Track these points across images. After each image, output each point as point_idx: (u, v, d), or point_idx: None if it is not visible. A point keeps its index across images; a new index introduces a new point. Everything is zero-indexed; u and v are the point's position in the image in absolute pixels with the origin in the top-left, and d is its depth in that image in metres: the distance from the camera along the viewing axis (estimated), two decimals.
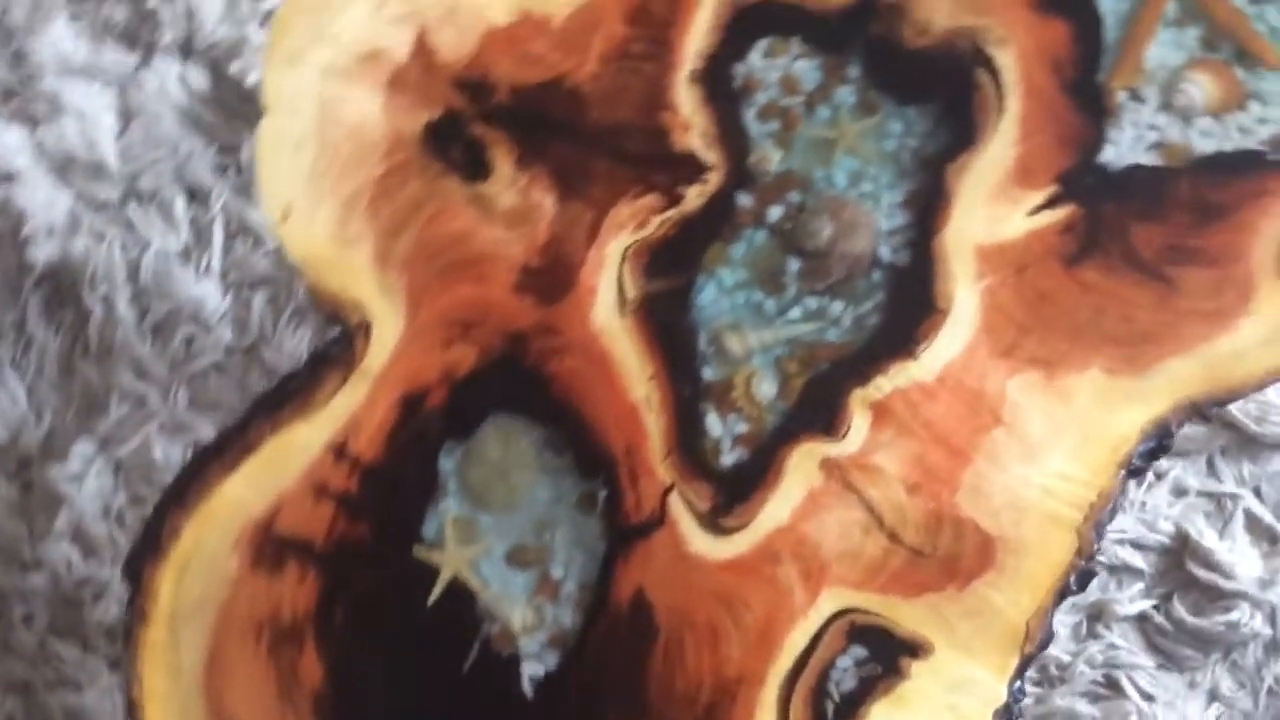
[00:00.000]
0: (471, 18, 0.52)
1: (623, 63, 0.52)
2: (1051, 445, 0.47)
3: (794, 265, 0.51)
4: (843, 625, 0.47)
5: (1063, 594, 0.47)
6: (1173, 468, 0.77)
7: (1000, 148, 0.49)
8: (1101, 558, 0.76)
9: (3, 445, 0.80)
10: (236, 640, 0.48)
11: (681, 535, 0.48)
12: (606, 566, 0.49)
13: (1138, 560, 0.76)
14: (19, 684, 0.77)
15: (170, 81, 0.85)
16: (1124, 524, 0.77)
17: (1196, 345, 0.47)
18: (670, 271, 0.51)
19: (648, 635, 0.48)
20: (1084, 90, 0.50)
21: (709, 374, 0.51)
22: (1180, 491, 0.77)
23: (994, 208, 0.49)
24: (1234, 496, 0.76)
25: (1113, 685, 0.73)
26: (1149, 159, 0.50)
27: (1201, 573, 0.74)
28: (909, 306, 0.49)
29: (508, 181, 0.51)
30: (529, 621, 0.49)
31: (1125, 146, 0.50)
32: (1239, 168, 0.49)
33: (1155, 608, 0.74)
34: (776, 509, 0.48)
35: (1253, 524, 0.76)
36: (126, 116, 0.85)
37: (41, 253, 0.81)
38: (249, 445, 0.49)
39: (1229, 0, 0.51)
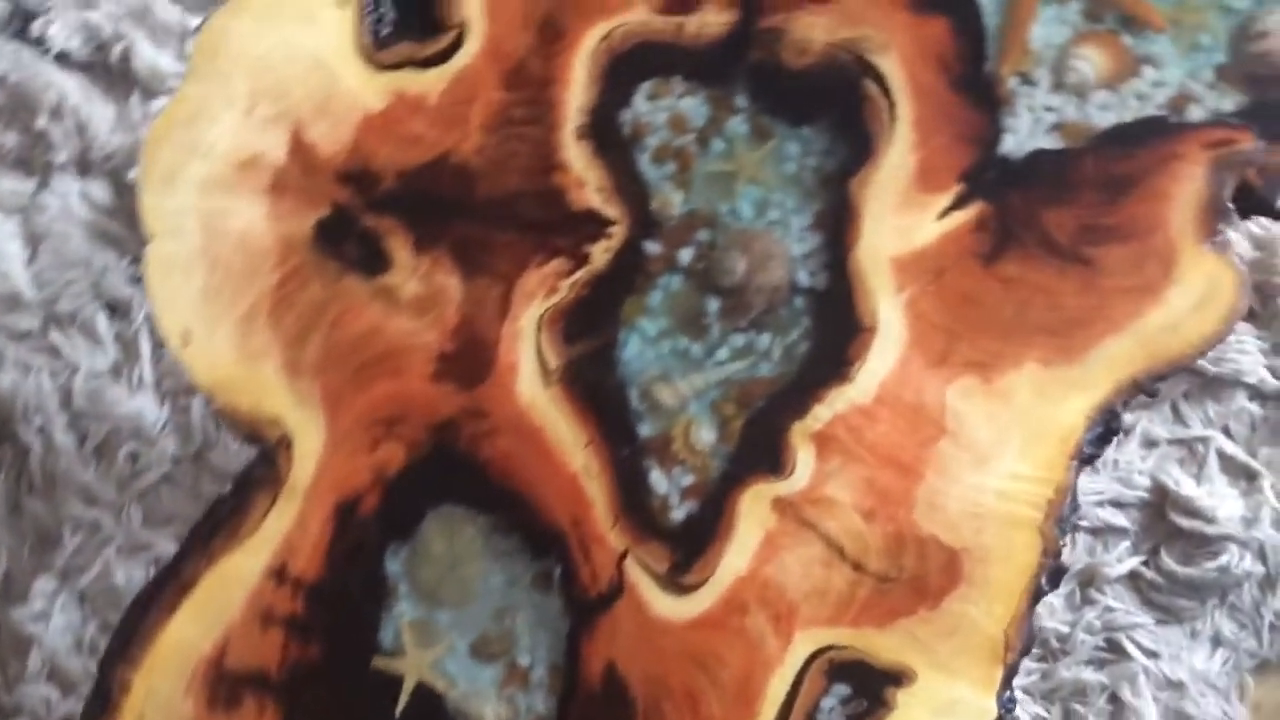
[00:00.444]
0: (345, 108, 0.51)
1: (506, 129, 0.51)
2: (1000, 447, 0.46)
3: (713, 305, 0.50)
4: (821, 665, 0.46)
5: (1036, 596, 0.46)
6: (1139, 420, 0.77)
7: (899, 155, 0.48)
8: (1084, 521, 0.76)
9: None
10: None
11: (643, 601, 0.47)
12: (573, 644, 0.47)
13: (1120, 519, 0.75)
14: None
15: (72, 199, 0.83)
16: (1100, 485, 0.76)
17: (1128, 323, 0.46)
18: (589, 333, 0.50)
19: (625, 709, 0.47)
20: (974, 83, 0.49)
21: (646, 430, 0.49)
22: (1150, 443, 0.76)
23: (903, 217, 0.48)
24: (1204, 439, 0.76)
25: (1115, 648, 0.72)
26: (1050, 142, 0.49)
27: (1185, 521, 0.73)
28: (835, 329, 0.48)
29: (408, 270, 0.50)
30: (503, 715, 0.48)
31: (1024, 133, 0.49)
32: (1142, 137, 0.48)
33: (1145, 564, 0.74)
34: (735, 558, 0.47)
35: (1227, 464, 0.75)
36: (33, 242, 0.83)
37: None
38: (186, 583, 0.48)
39: None
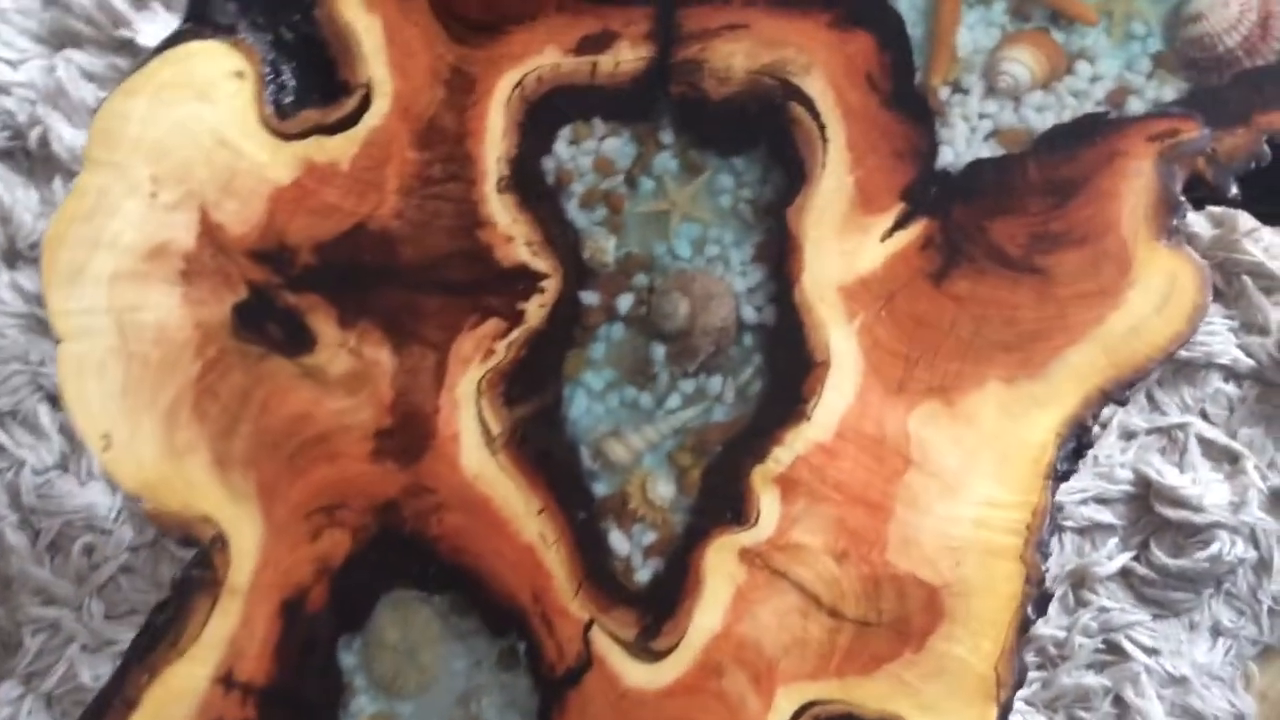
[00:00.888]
0: (252, 183, 0.48)
1: (425, 190, 0.48)
2: (970, 473, 0.44)
3: (659, 351, 0.48)
4: None
5: (1024, 626, 0.44)
6: (1115, 412, 0.75)
7: (835, 179, 0.46)
8: (1069, 521, 0.74)
9: None
10: None
11: (614, 672, 0.45)
12: None
13: (1106, 515, 0.73)
14: None
15: (2, 292, 0.80)
16: (1082, 482, 0.74)
17: (1089, 330, 0.44)
18: (532, 394, 0.47)
19: None
20: (905, 97, 0.47)
21: (601, 489, 0.47)
22: (1129, 434, 0.75)
23: (846, 242, 0.46)
24: (1183, 426, 0.74)
25: (1114, 649, 0.70)
26: (989, 150, 0.47)
27: (1171, 512, 0.72)
28: (788, 366, 0.46)
29: (335, 346, 0.47)
30: None
31: (961, 144, 0.47)
32: (1083, 136, 0.46)
33: (1136, 559, 0.72)
34: (707, 616, 0.45)
35: (1208, 448, 0.74)
36: None
37: None
38: (131, 701, 0.45)
39: None
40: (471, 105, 0.49)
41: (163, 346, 0.47)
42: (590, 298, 0.48)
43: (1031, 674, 0.70)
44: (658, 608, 0.45)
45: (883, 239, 0.46)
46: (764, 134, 0.48)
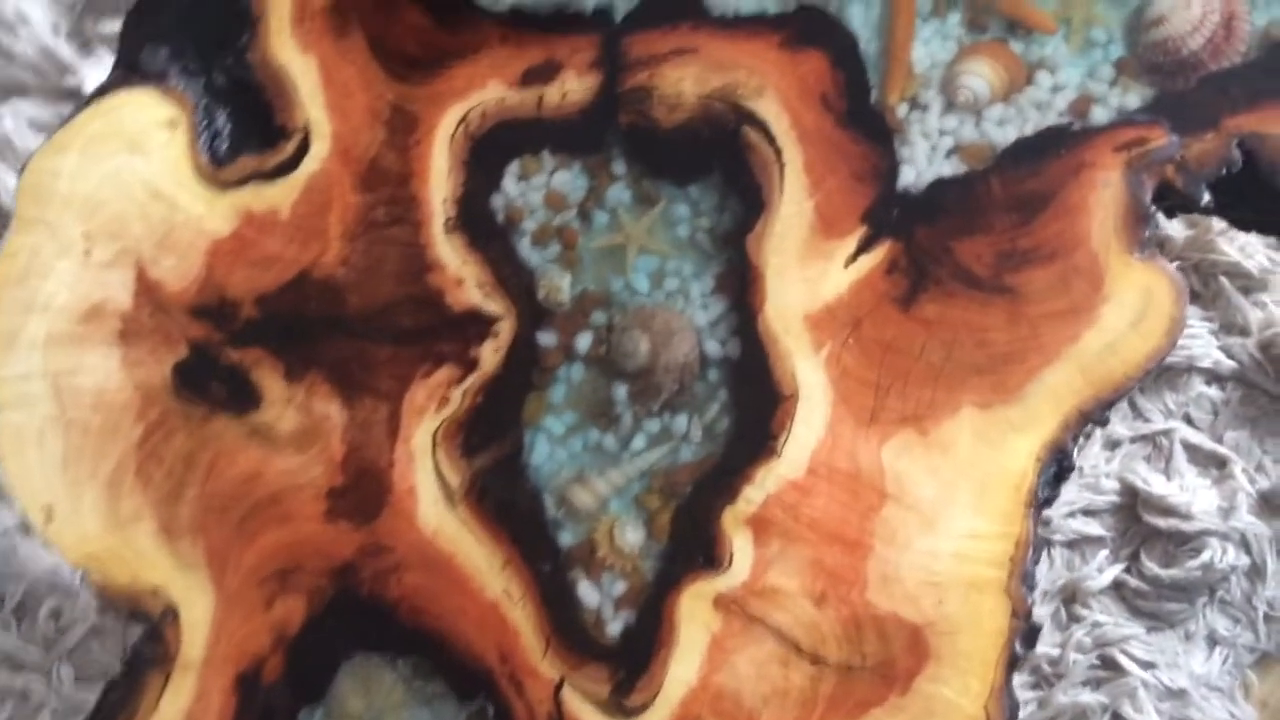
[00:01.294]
0: (189, 236, 0.46)
1: (369, 234, 0.46)
2: (949, 505, 0.42)
3: (621, 391, 0.46)
4: None
5: (1012, 663, 0.42)
6: None
7: (794, 204, 0.45)
8: (1057, 535, 0.73)
9: None
10: None
11: None
12: None
13: (1094, 527, 0.72)
14: None
15: None
16: (1069, 494, 0.73)
17: (1063, 350, 0.43)
18: (491, 442, 0.45)
19: None
20: (862, 116, 0.45)
21: (567, 539, 0.45)
22: (1113, 444, 0.73)
23: (808, 268, 0.44)
24: (1167, 432, 0.73)
25: (1109, 664, 0.69)
26: (951, 168, 0.45)
27: (1160, 521, 0.70)
28: (755, 400, 0.44)
29: (283, 402, 0.45)
30: None
31: (922, 162, 0.45)
32: (1047, 148, 0.44)
33: (1127, 571, 0.70)
34: (682, 668, 0.43)
35: (1194, 454, 0.72)
36: None
37: None
38: None
39: None
40: (414, 144, 0.47)
41: (103, 412, 0.45)
42: (547, 339, 0.46)
43: (1027, 694, 0.68)
44: (631, 662, 0.43)
45: (846, 264, 0.44)
46: (718, 160, 0.46)
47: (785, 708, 0.42)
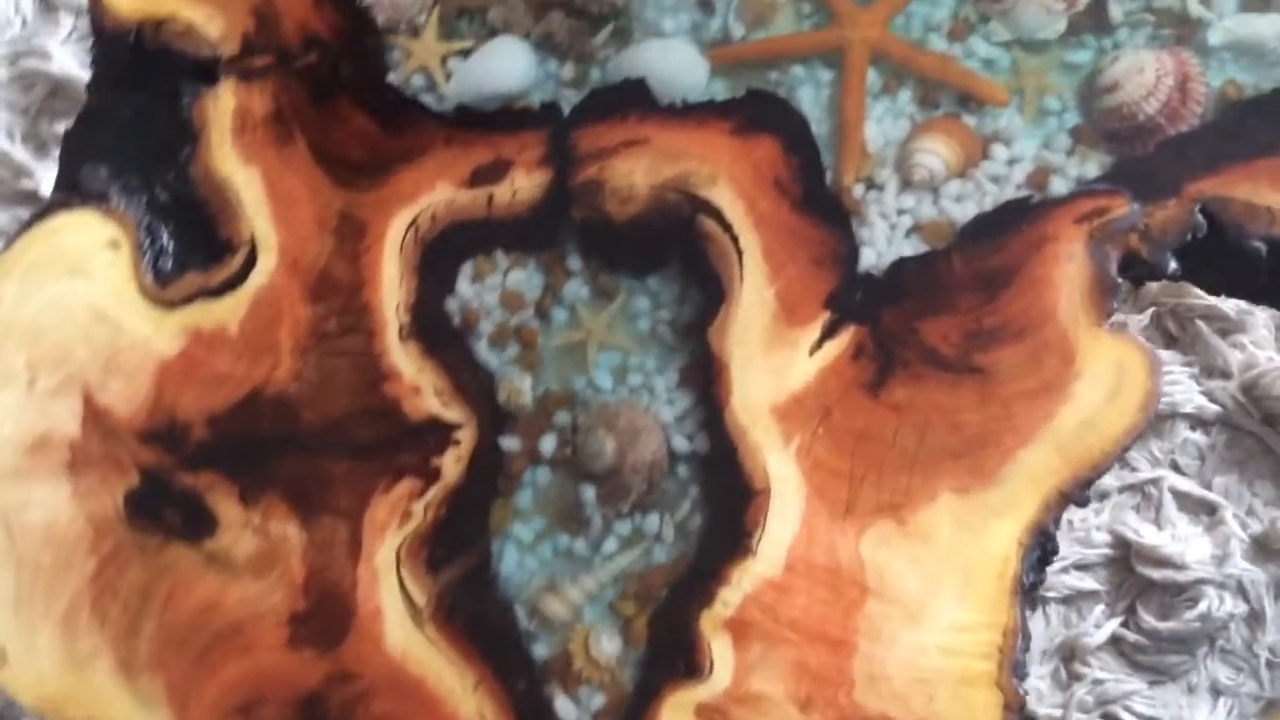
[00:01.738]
0: (136, 359, 0.45)
1: (322, 346, 0.45)
2: (933, 597, 0.41)
3: (590, 493, 0.44)
4: None
5: None
6: None
7: (755, 292, 0.44)
8: (1052, 593, 0.71)
9: None
10: None
11: None
12: None
13: (1088, 582, 0.70)
14: None
15: None
16: (1061, 549, 0.71)
17: (1038, 429, 0.42)
18: (458, 555, 0.44)
19: None
20: (818, 200, 0.44)
21: (541, 652, 0.43)
22: (1101, 495, 0.72)
23: (773, 358, 0.43)
24: (1155, 480, 0.71)
25: None
26: (911, 247, 0.44)
27: (1155, 573, 0.69)
28: (727, 496, 0.43)
29: (239, 526, 0.44)
30: None
31: (882, 243, 0.44)
32: (1008, 223, 0.43)
33: (1124, 625, 0.69)
34: None
35: (1184, 501, 0.71)
36: None
37: None
38: None
39: (929, 50, 0.46)
40: (364, 251, 0.46)
41: (54, 546, 0.44)
42: (510, 443, 0.45)
43: None
44: None
45: (811, 352, 0.43)
46: (675, 251, 0.45)
47: None
